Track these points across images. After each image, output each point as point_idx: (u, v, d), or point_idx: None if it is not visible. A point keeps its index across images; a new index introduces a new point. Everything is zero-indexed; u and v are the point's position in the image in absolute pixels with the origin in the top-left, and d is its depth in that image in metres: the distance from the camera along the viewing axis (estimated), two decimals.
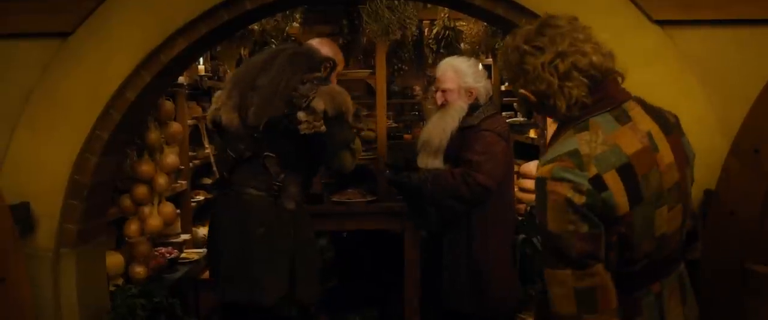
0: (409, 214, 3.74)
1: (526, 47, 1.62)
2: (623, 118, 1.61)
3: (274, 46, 3.79)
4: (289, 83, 2.80)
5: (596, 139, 1.56)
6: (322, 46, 3.00)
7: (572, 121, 1.62)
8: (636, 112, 1.64)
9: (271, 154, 2.87)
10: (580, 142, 1.56)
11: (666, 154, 1.62)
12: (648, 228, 1.59)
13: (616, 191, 1.53)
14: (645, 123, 1.63)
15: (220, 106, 2.88)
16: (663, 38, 2.39)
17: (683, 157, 1.69)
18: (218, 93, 2.98)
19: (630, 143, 1.57)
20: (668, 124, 1.70)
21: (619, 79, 1.67)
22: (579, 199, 1.51)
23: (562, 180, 1.52)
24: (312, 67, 2.91)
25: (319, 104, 2.75)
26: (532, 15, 2.39)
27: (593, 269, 1.53)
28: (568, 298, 1.53)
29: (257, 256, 2.85)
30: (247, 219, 2.86)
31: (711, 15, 2.36)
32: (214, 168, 4.36)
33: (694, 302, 1.79)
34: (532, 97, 1.65)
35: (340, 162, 2.98)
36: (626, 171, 1.54)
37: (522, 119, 5.56)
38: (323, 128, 2.75)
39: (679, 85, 2.38)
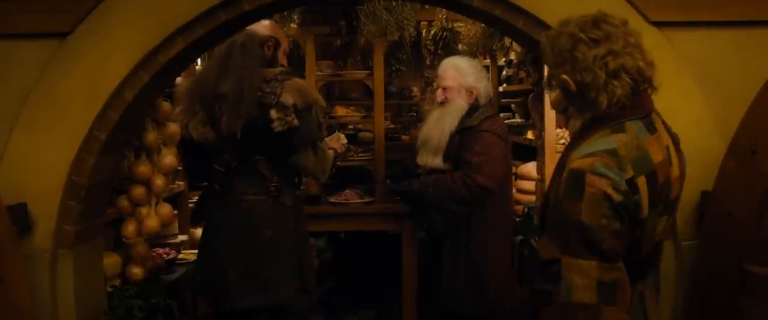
0: (413, 220, 3.74)
1: (581, 36, 1.64)
2: (652, 128, 1.68)
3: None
4: (253, 82, 2.76)
5: (632, 143, 1.61)
6: (261, 28, 2.94)
7: (608, 120, 1.66)
8: (659, 124, 1.72)
9: (260, 157, 2.86)
10: (618, 143, 1.60)
11: (675, 169, 1.72)
12: (651, 233, 1.68)
13: (644, 195, 1.59)
14: (665, 136, 1.72)
15: (186, 122, 2.87)
16: (660, 40, 2.38)
17: (683, 173, 1.79)
18: (176, 110, 2.94)
19: (656, 152, 1.64)
20: (677, 141, 1.79)
21: (650, 91, 1.72)
22: (617, 197, 1.55)
23: (603, 175, 1.55)
24: (262, 55, 2.87)
25: (287, 99, 2.74)
26: (530, 16, 2.41)
27: (619, 264, 1.58)
28: (590, 289, 1.56)
29: (267, 258, 2.85)
30: (252, 226, 2.86)
31: (708, 16, 2.36)
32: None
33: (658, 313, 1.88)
34: (573, 86, 1.68)
35: (304, 160, 2.91)
36: (652, 178, 1.61)
37: (520, 120, 5.56)
38: (296, 122, 2.74)
39: (676, 87, 2.37)
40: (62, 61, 2.45)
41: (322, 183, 3.34)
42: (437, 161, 3.28)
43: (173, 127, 3.07)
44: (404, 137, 5.04)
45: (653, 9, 2.37)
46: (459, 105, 3.25)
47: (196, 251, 3.90)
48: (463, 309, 3.24)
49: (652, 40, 2.35)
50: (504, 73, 5.86)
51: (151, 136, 2.97)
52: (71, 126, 2.45)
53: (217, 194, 2.94)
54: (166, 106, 3.09)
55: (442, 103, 3.29)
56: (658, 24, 2.38)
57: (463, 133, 3.20)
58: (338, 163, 3.21)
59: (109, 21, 2.44)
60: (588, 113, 1.72)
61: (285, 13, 4.00)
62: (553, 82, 1.75)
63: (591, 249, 1.57)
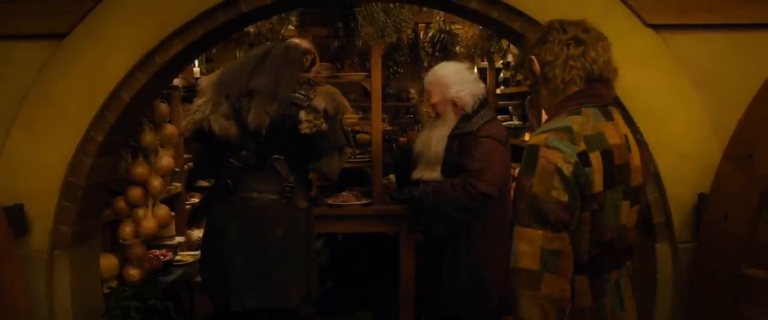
0: (411, 223, 3.74)
1: (556, 25, 1.83)
2: (608, 117, 1.81)
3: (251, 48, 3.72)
4: (288, 84, 2.80)
5: (587, 123, 1.74)
6: (303, 42, 3.04)
7: (565, 109, 1.79)
8: (617, 116, 1.85)
9: (279, 157, 2.86)
10: (573, 122, 1.73)
11: (636, 158, 1.82)
12: (615, 215, 1.76)
13: (597, 169, 1.69)
14: (623, 127, 1.83)
15: (207, 115, 2.85)
16: (657, 42, 2.39)
17: (648, 168, 1.90)
18: (198, 101, 2.92)
19: (612, 136, 1.76)
20: (639, 138, 1.91)
21: (612, 89, 1.87)
22: (567, 169, 1.66)
23: (555, 148, 1.67)
24: (302, 64, 2.94)
25: (320, 103, 2.79)
26: (527, 18, 2.41)
27: (563, 234, 1.66)
28: (534, 256, 1.65)
29: (276, 259, 2.85)
30: (263, 224, 2.86)
31: (705, 19, 2.36)
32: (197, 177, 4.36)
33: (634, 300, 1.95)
34: (538, 66, 1.83)
35: (329, 165, 2.96)
36: (607, 156, 1.72)
37: (517, 122, 5.56)
38: (325, 126, 2.78)
39: (673, 89, 2.39)
40: (60, 62, 2.45)
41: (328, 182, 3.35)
42: (435, 174, 3.27)
43: (170, 128, 3.07)
44: (402, 139, 5.03)
45: (650, 11, 2.37)
46: (448, 118, 3.25)
47: (194, 252, 3.93)
48: (463, 313, 3.22)
49: (648, 42, 2.39)
50: (501, 75, 5.87)
51: (148, 138, 2.97)
52: (68, 127, 2.45)
53: (227, 191, 2.92)
54: (163, 107, 3.09)
55: (436, 117, 3.31)
56: (654, 26, 2.39)
57: (463, 138, 3.19)
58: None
59: (107, 22, 2.44)
60: (550, 103, 1.85)
61: (283, 15, 4.00)
62: (525, 66, 1.90)
63: (539, 218, 1.66)
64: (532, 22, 2.40)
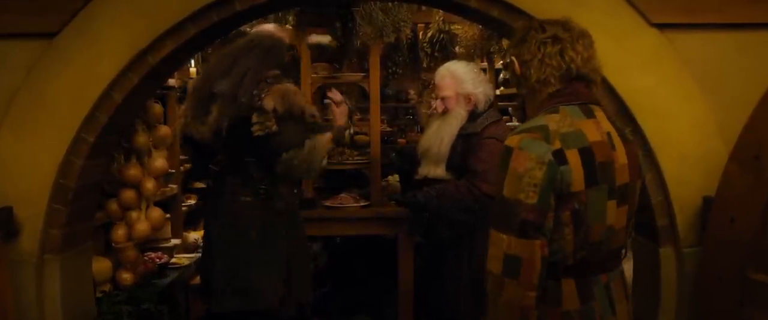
0: (416, 230, 3.69)
1: (536, 24, 1.83)
2: (589, 114, 1.78)
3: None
4: (249, 85, 2.75)
5: (564, 121, 1.72)
6: (285, 35, 3.00)
7: (543, 108, 1.78)
8: (600, 113, 1.81)
9: (250, 159, 2.83)
10: (550, 121, 1.72)
11: (621, 155, 1.78)
12: (600, 214, 1.72)
13: (575, 168, 1.67)
14: (606, 124, 1.80)
15: (189, 120, 2.87)
16: (662, 41, 2.35)
17: (636, 166, 1.86)
18: (183, 106, 2.97)
19: (592, 133, 1.73)
20: (626, 136, 1.87)
21: (593, 89, 1.86)
22: (538, 170, 1.64)
23: (526, 150, 1.66)
24: (283, 63, 2.89)
25: (269, 103, 2.73)
26: (528, 17, 2.34)
27: (530, 242, 1.64)
28: (498, 260, 1.67)
29: (252, 260, 2.82)
30: (239, 226, 2.84)
31: (711, 18, 2.33)
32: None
33: (629, 303, 1.92)
34: (517, 65, 1.84)
35: (288, 167, 2.84)
36: (586, 154, 1.69)
37: (517, 123, 5.51)
38: (275, 128, 2.71)
39: (678, 90, 2.35)
40: (50, 61, 2.41)
41: (313, 178, 3.28)
42: (440, 171, 3.23)
43: (164, 129, 3.03)
44: (401, 140, 5.00)
45: (655, 10, 2.33)
46: (458, 113, 3.20)
47: (190, 255, 3.93)
48: (464, 317, 3.19)
49: (652, 41, 2.36)
50: (501, 76, 5.82)
51: (141, 139, 2.93)
52: (59, 128, 2.42)
53: (214, 193, 2.95)
54: (156, 107, 3.04)
55: (444, 113, 3.25)
56: (659, 26, 2.35)
57: (467, 139, 3.15)
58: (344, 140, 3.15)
59: (98, 21, 2.40)
60: (531, 103, 1.86)
61: (279, 14, 3.96)
62: (508, 66, 1.90)
63: (505, 222, 1.67)
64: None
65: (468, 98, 3.19)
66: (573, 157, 1.67)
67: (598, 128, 1.75)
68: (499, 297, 1.67)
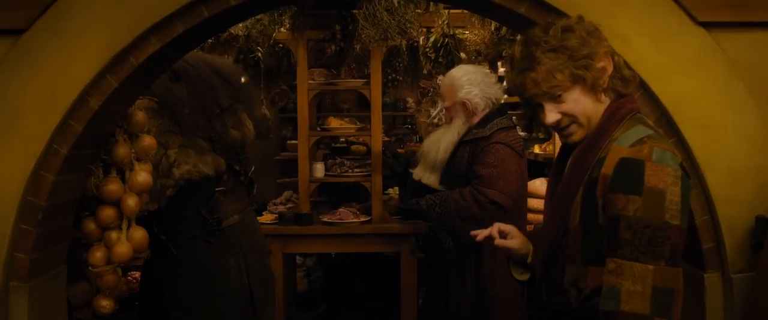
0: (415, 240, 3.64)
1: (589, 26, 1.71)
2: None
3: None
4: None
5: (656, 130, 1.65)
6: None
7: (620, 118, 1.64)
8: None
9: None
10: (649, 129, 1.60)
11: None
12: None
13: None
14: None
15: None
16: (709, 42, 2.18)
17: None
18: None
19: None
20: None
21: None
22: (676, 187, 1.50)
23: (663, 163, 1.51)
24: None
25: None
26: (558, 13, 2.19)
27: (680, 270, 1.50)
28: (644, 297, 1.47)
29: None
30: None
31: (764, 16, 2.16)
32: None
33: None
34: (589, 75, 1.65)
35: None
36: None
37: (523, 134, 5.34)
38: None
39: (726, 97, 2.19)
40: (16, 62, 2.21)
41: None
42: (433, 179, 3.24)
43: (147, 140, 2.78)
44: (399, 151, 4.91)
45: (701, 7, 2.16)
46: (457, 123, 3.23)
47: None
48: None
49: (698, 42, 2.19)
50: (505, 83, 5.64)
51: (122, 150, 2.66)
52: (26, 138, 2.21)
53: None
54: (139, 115, 2.78)
55: (450, 121, 3.29)
56: (706, 24, 2.18)
57: (474, 144, 3.07)
58: None
59: (72, 16, 2.20)
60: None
61: (275, 15, 3.82)
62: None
63: (649, 250, 1.48)
64: (563, 16, 2.16)
65: (463, 104, 3.17)
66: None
67: None
68: None
